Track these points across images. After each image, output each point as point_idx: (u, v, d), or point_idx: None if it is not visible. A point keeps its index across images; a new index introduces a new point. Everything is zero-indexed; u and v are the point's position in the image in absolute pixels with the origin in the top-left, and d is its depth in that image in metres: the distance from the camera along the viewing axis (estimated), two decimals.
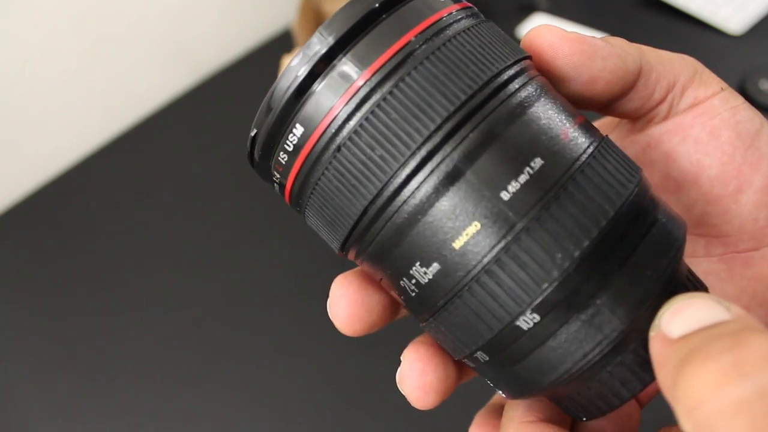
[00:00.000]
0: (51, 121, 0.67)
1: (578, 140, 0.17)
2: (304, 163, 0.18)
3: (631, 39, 0.21)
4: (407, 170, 0.16)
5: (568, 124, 0.17)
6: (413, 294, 0.18)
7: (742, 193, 0.20)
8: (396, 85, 0.16)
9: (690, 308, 0.14)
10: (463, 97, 0.16)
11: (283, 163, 0.18)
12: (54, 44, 0.64)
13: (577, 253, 0.15)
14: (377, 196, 0.17)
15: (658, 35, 0.68)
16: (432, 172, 0.16)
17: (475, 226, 0.16)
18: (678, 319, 0.14)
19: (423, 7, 0.17)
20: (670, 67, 0.21)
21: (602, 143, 0.17)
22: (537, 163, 0.16)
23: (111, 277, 0.57)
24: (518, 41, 0.20)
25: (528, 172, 0.16)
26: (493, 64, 0.17)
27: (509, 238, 0.16)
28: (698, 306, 0.14)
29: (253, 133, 0.18)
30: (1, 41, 0.60)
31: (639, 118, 0.22)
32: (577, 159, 0.16)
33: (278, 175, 0.19)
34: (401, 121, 0.16)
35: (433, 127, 0.16)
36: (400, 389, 0.20)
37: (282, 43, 0.77)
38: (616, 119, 0.24)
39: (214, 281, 0.55)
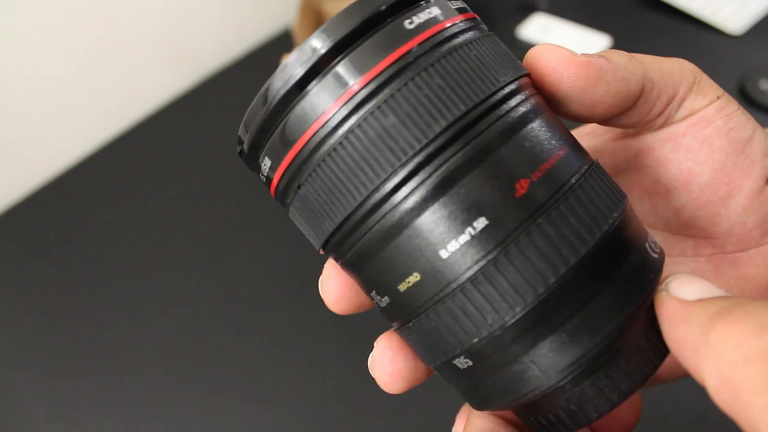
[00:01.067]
0: (51, 121, 0.67)
1: (537, 193, 0.16)
2: (276, 190, 0.19)
3: (631, 39, 0.21)
4: (362, 212, 0.17)
5: (533, 170, 0.16)
6: (378, 308, 0.19)
7: (732, 199, 0.20)
8: (346, 136, 0.16)
9: (696, 282, 0.16)
10: (417, 146, 0.16)
11: (264, 179, 0.19)
12: (54, 44, 0.64)
13: (507, 318, 0.16)
14: (336, 230, 0.17)
15: (658, 35, 0.69)
16: (382, 219, 0.16)
17: (415, 276, 0.16)
18: (688, 287, 0.16)
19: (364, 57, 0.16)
20: (671, 80, 0.20)
21: (570, 190, 0.16)
22: (480, 223, 0.16)
23: (111, 277, 0.57)
24: (519, 42, 0.19)
25: (469, 233, 0.16)
26: (456, 106, 0.16)
27: (446, 292, 0.16)
28: (701, 282, 0.16)
29: (239, 149, 0.19)
30: (1, 41, 0.60)
31: (633, 128, 0.22)
32: (527, 219, 0.16)
33: (264, 178, 0.20)
34: (352, 169, 0.16)
35: (384, 176, 0.16)
36: (370, 373, 0.21)
37: (282, 43, 0.78)
38: None
39: (214, 281, 0.55)
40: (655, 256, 0.18)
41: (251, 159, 0.19)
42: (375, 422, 0.45)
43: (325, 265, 0.21)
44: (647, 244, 0.18)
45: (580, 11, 0.73)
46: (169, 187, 0.65)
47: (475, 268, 0.16)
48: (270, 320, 0.52)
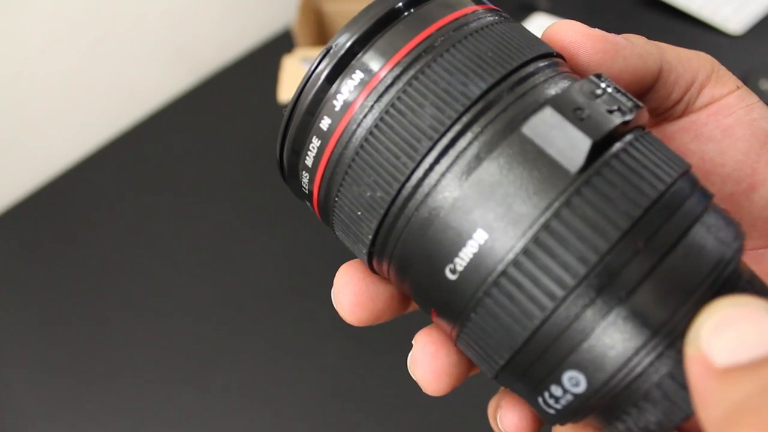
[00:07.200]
0: (51, 121, 0.67)
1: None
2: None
3: None
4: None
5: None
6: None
7: (755, 191, 0.20)
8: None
9: (737, 324, 0.12)
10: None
11: (307, 195, 0.19)
12: (54, 44, 0.64)
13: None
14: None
15: (658, 35, 0.68)
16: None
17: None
18: (722, 339, 0.12)
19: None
20: (689, 66, 0.20)
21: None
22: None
23: (111, 277, 0.57)
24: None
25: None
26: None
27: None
28: (748, 322, 0.12)
29: (278, 155, 0.19)
30: (1, 41, 0.60)
31: (654, 117, 0.22)
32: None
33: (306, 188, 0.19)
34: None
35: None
36: (411, 374, 0.20)
37: (282, 43, 0.77)
38: None
39: (214, 281, 0.55)
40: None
41: (292, 177, 0.19)
42: (376, 423, 0.45)
43: (336, 275, 0.20)
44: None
45: (580, 11, 0.73)
46: (168, 187, 0.64)
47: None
48: (270, 321, 0.52)
